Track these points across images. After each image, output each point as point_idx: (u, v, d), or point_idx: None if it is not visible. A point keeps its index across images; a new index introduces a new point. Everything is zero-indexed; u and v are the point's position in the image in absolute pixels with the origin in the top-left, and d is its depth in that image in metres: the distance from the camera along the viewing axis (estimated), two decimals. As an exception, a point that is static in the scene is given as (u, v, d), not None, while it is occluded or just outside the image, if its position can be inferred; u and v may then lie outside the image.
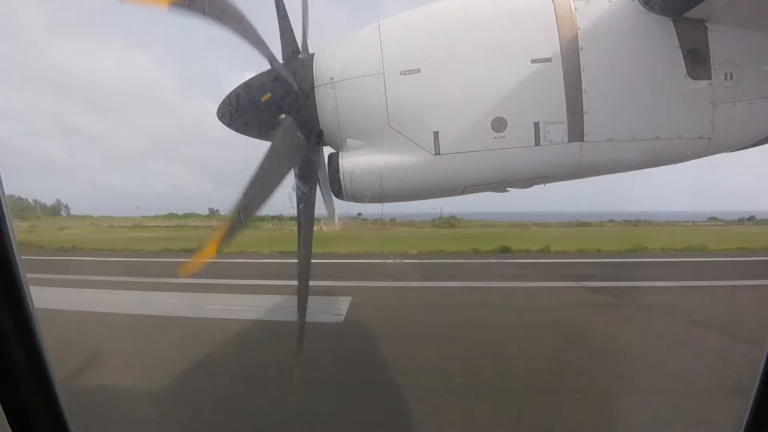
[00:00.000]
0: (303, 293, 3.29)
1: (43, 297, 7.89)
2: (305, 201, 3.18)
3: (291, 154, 2.89)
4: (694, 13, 2.62)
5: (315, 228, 3.30)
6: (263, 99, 2.92)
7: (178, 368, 6.44)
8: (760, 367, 1.54)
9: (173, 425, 5.08)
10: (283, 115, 2.89)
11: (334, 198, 3.14)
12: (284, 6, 2.90)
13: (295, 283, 3.09)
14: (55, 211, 54.37)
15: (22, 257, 1.56)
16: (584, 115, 2.69)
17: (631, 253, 18.45)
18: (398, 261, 17.29)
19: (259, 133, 3.09)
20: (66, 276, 13.50)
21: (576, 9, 2.71)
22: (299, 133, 2.91)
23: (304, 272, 3.25)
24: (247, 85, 3.00)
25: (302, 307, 3.32)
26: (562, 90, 2.69)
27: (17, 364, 1.58)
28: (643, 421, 4.74)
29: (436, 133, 2.76)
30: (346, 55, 2.93)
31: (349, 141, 2.90)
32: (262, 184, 2.78)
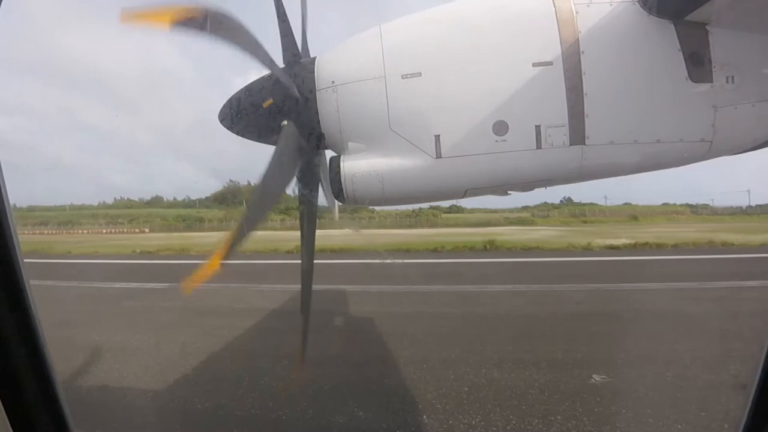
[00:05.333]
0: (306, 295, 3.31)
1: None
2: (307, 203, 3.20)
3: (293, 166, 2.93)
4: (695, 16, 2.62)
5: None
6: (265, 105, 2.94)
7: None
8: (760, 366, 1.53)
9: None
10: (285, 122, 2.91)
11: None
12: (284, 10, 2.93)
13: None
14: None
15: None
16: (585, 119, 2.68)
17: None
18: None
19: (260, 136, 3.11)
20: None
21: (577, 12, 2.71)
22: (300, 138, 2.93)
23: (307, 274, 3.28)
24: (248, 88, 3.02)
25: (306, 308, 3.36)
26: (563, 93, 2.69)
27: (19, 364, 1.59)
28: None
29: (437, 137, 2.76)
30: (348, 58, 2.94)
31: (350, 144, 2.91)
32: (265, 196, 2.86)
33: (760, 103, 2.69)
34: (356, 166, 2.89)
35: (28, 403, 1.60)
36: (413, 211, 38.15)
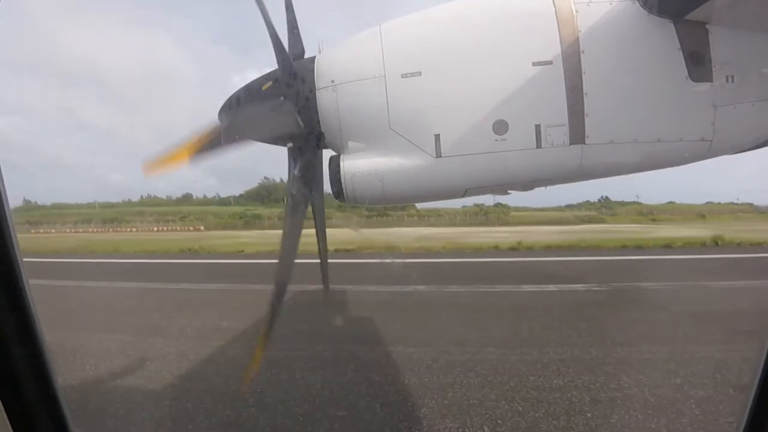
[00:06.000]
0: (325, 294, 3.39)
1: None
2: (314, 203, 3.20)
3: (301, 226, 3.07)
4: (695, 15, 2.62)
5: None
6: (264, 88, 2.95)
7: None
8: (760, 366, 1.53)
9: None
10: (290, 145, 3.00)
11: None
12: (293, 9, 2.95)
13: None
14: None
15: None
16: (585, 118, 2.68)
17: None
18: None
19: (260, 136, 3.11)
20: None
21: (577, 11, 2.71)
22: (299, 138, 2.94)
23: (324, 275, 3.34)
24: (248, 88, 3.01)
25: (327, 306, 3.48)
26: (563, 92, 2.68)
27: (19, 364, 1.59)
28: None
29: (437, 136, 2.76)
30: (348, 57, 2.94)
31: (350, 144, 2.91)
32: (288, 254, 3.03)
33: (760, 102, 2.69)
34: (356, 165, 2.88)
35: (28, 404, 1.60)
36: (480, 208, 37.86)
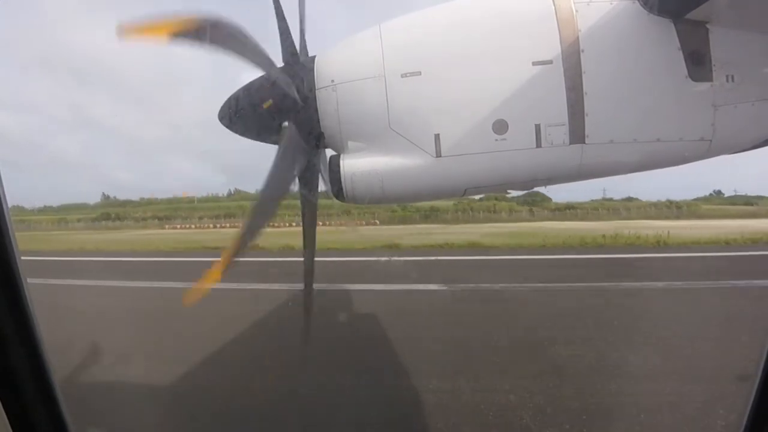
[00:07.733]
0: (308, 293, 3.31)
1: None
2: (308, 203, 3.20)
3: (295, 167, 2.92)
4: (695, 14, 2.62)
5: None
6: (265, 106, 2.93)
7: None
8: (760, 366, 1.53)
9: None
10: (286, 123, 2.90)
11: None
12: (282, 9, 2.92)
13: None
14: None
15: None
16: (585, 117, 2.68)
17: None
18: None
19: (259, 135, 3.11)
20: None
21: (577, 11, 2.71)
22: (301, 139, 2.92)
23: (309, 272, 3.29)
24: (248, 88, 3.01)
25: (308, 307, 3.36)
26: (563, 92, 2.68)
27: (17, 364, 1.59)
28: None
29: (437, 136, 2.76)
30: (347, 57, 2.93)
31: (350, 143, 2.90)
32: (267, 207, 2.87)
33: (760, 102, 2.68)
34: (356, 165, 2.88)
35: (27, 403, 1.60)
36: (671, 203, 38.34)
